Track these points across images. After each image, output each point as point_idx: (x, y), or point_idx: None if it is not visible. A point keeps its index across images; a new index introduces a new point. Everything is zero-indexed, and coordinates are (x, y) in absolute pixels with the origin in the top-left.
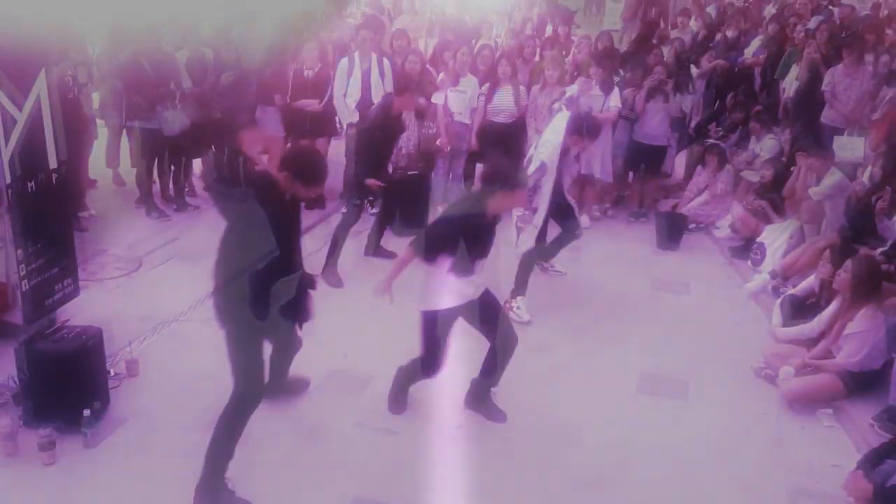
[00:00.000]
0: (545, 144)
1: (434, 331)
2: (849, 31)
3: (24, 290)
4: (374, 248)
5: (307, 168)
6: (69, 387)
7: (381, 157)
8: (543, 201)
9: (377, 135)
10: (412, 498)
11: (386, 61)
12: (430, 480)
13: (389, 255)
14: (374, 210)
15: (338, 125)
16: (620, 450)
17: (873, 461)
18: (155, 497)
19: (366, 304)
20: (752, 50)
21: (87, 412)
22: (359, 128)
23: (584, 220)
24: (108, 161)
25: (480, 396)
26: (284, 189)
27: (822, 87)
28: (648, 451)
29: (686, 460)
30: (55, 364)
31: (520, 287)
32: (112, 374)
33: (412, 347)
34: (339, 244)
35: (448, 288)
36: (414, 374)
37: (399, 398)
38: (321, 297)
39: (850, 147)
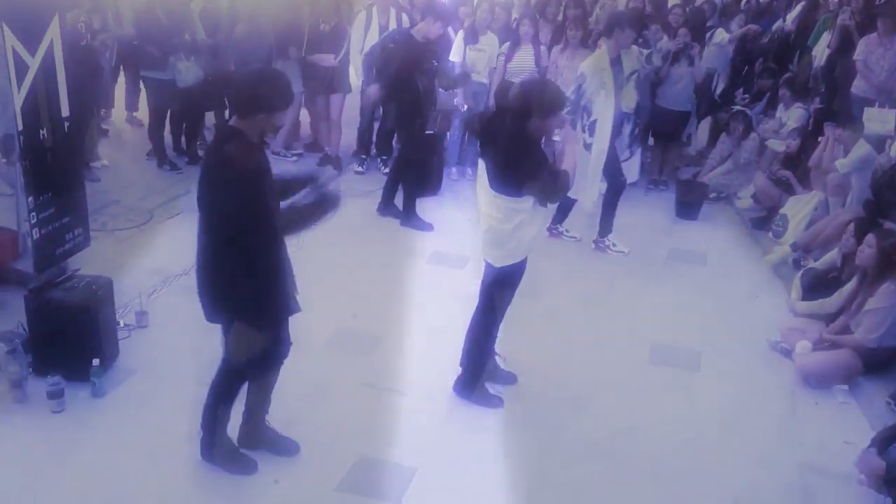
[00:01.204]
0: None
1: (515, 279)
2: None
3: (34, 238)
4: (386, 207)
5: (273, 91)
6: (78, 336)
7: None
8: (603, 115)
9: (400, 61)
10: (418, 459)
11: (404, 15)
12: (436, 442)
13: (401, 214)
14: (387, 169)
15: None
16: (630, 419)
17: (887, 439)
18: (162, 447)
19: (377, 264)
20: (793, 16)
21: (95, 361)
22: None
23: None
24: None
25: (471, 383)
26: (256, 135)
27: (855, 57)
28: (658, 422)
29: (696, 432)
30: (65, 313)
31: (607, 227)
32: (122, 324)
33: (423, 307)
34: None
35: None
36: (488, 342)
37: (481, 388)
38: (332, 258)
39: (880, 119)
